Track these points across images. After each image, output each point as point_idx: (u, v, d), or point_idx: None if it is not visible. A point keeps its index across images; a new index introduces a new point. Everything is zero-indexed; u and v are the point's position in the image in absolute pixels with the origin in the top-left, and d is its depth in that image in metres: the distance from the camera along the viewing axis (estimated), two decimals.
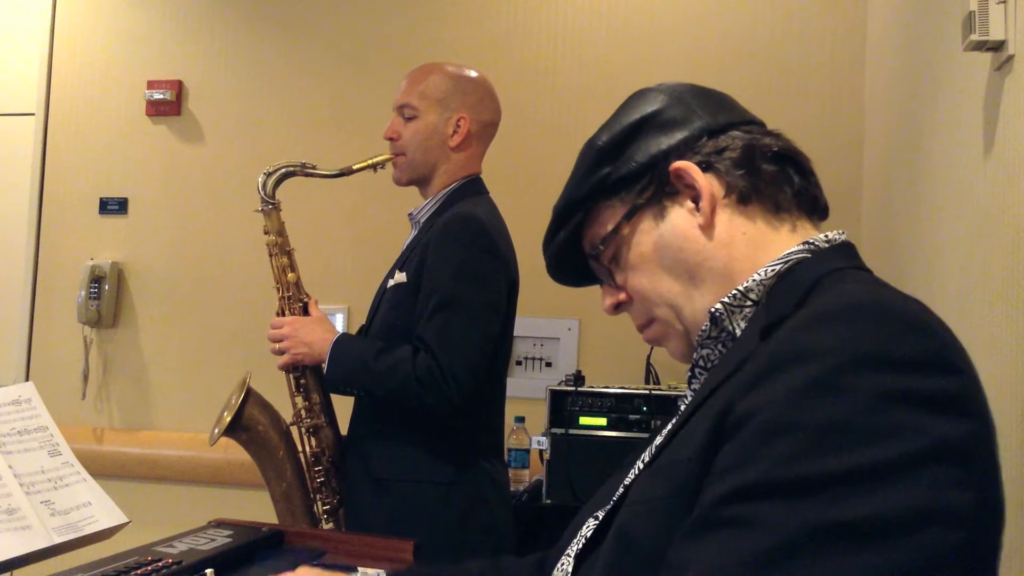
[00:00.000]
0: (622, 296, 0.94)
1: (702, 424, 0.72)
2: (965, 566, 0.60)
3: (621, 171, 0.89)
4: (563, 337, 2.90)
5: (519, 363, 2.91)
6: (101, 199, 3.27)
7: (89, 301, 3.14)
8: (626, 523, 0.76)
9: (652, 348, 2.64)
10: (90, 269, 3.15)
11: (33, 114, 3.33)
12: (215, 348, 3.15)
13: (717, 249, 0.85)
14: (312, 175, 1.96)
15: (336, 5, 3.16)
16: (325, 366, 1.84)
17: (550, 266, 1.01)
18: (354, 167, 1.95)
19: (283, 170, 1.95)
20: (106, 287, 3.18)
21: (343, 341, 1.85)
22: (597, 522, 0.83)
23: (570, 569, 0.82)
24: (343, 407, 1.95)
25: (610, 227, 0.91)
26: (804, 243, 0.84)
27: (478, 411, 1.84)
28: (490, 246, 1.82)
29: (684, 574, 0.64)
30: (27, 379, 3.23)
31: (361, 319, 2.01)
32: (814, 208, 0.89)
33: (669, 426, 0.86)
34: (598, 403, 2.24)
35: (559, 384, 2.30)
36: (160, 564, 1.05)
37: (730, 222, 0.86)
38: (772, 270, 0.82)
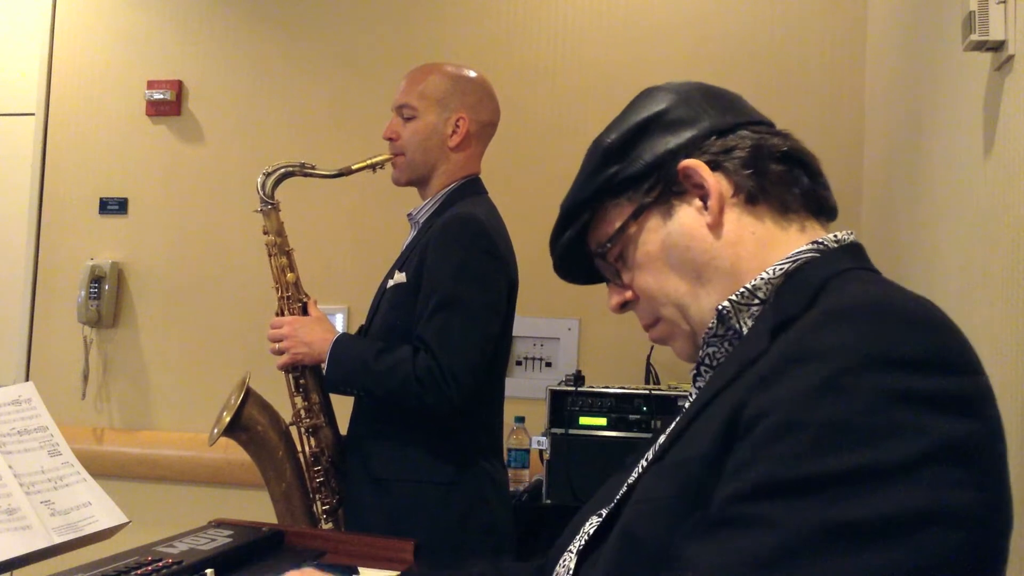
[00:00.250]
0: (628, 295, 0.94)
1: (711, 424, 0.72)
2: (966, 566, 0.60)
3: (629, 170, 0.89)
4: (563, 337, 2.90)
5: (519, 363, 2.91)
6: (101, 199, 3.27)
7: (89, 301, 3.14)
8: (631, 522, 0.76)
9: (652, 348, 2.64)
10: (90, 269, 3.15)
11: (33, 114, 3.33)
12: (215, 348, 3.15)
13: (725, 248, 0.85)
14: (311, 175, 1.96)
15: (336, 5, 3.16)
16: (325, 366, 1.84)
17: (557, 265, 1.00)
18: (353, 167, 1.95)
19: (282, 170, 1.95)
20: (106, 287, 3.18)
21: (343, 341, 1.85)
22: (600, 519, 0.83)
23: (572, 566, 0.82)
24: (343, 407, 1.95)
25: (617, 225, 0.91)
26: (813, 243, 0.83)
27: (478, 411, 1.84)
28: (489, 246, 1.82)
29: (685, 574, 0.64)
30: (27, 379, 3.23)
31: (361, 319, 2.01)
32: (822, 209, 0.88)
33: (673, 424, 0.85)
34: (598, 403, 2.24)
35: (559, 384, 2.30)
36: (160, 564, 1.05)
37: (738, 221, 0.85)
38: (780, 269, 0.82)
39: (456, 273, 1.78)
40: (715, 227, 0.85)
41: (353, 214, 3.08)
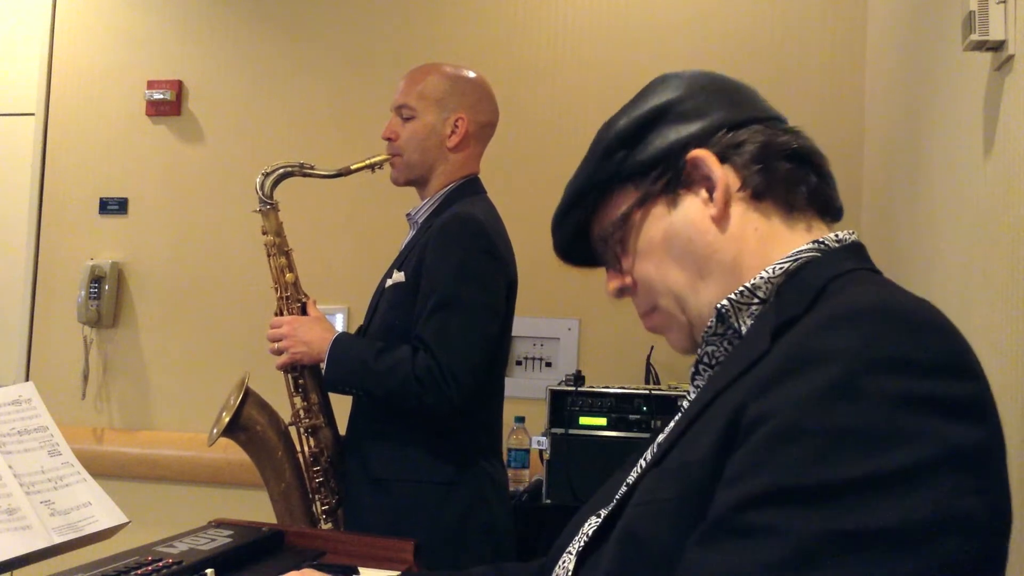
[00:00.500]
0: (627, 280, 0.93)
1: (712, 425, 0.71)
2: (975, 572, 0.59)
3: (638, 156, 0.89)
4: (563, 337, 2.89)
5: (519, 363, 2.91)
6: (101, 199, 3.28)
7: (89, 301, 3.14)
8: (632, 523, 0.75)
9: (652, 348, 2.64)
10: (90, 269, 3.15)
11: (33, 114, 3.33)
12: (215, 348, 3.15)
13: (728, 242, 0.84)
14: (310, 175, 1.96)
15: (336, 5, 3.16)
16: (324, 366, 1.84)
17: (557, 247, 1.00)
18: (352, 167, 1.95)
19: (281, 170, 1.95)
20: (106, 287, 3.18)
21: (342, 341, 1.85)
22: (600, 520, 0.82)
23: (571, 567, 0.82)
24: (342, 407, 1.95)
25: (622, 211, 0.90)
26: (814, 242, 0.83)
27: (477, 411, 1.84)
28: (488, 246, 1.82)
29: None
30: (27, 379, 3.23)
31: (360, 319, 2.01)
32: (828, 209, 0.88)
33: (672, 425, 0.85)
34: (598, 403, 2.24)
35: (559, 384, 2.30)
36: (160, 564, 1.04)
37: (743, 216, 0.85)
38: (781, 268, 0.81)
39: (455, 273, 1.78)
40: (719, 220, 0.85)
41: (352, 214, 3.08)
